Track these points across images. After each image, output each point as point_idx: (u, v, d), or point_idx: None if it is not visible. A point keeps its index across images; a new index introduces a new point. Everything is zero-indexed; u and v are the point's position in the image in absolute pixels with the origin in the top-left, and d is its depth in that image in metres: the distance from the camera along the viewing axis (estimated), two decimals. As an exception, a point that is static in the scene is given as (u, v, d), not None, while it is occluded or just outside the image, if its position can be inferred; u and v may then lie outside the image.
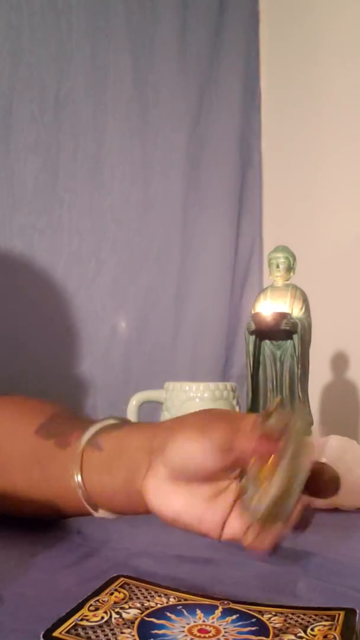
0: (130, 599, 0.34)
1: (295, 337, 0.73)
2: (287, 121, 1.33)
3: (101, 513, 0.43)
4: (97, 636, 0.29)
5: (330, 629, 0.30)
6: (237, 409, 0.76)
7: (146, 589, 0.35)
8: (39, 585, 0.39)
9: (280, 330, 0.73)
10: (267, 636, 0.30)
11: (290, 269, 0.77)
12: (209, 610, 0.33)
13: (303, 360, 0.74)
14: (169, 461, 0.37)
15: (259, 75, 1.37)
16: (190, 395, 0.74)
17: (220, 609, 0.33)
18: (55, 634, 0.29)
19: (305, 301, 0.76)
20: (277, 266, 0.77)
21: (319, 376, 1.15)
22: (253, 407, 0.76)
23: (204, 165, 1.22)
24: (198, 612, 0.32)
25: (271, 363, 0.75)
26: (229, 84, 1.28)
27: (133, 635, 0.29)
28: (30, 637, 0.30)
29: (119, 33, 1.03)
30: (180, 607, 0.33)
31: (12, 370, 0.87)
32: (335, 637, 0.30)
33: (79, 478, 0.41)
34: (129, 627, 0.30)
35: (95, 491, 0.42)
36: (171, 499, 0.37)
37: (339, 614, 0.32)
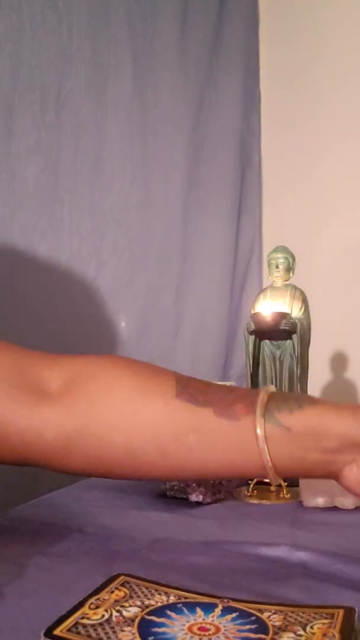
0: (131, 597, 0.34)
1: (294, 337, 0.73)
2: (286, 121, 1.33)
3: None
4: (97, 634, 0.29)
5: (329, 627, 0.31)
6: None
7: (146, 587, 0.35)
8: (39, 583, 0.40)
9: (280, 330, 0.73)
10: (267, 634, 0.30)
11: (289, 269, 0.77)
12: (208, 608, 0.33)
13: (302, 360, 0.74)
14: None
15: (258, 75, 1.37)
16: (190, 395, 0.74)
17: (220, 607, 0.33)
18: (56, 632, 0.29)
19: (304, 301, 0.76)
20: (277, 266, 0.77)
21: (318, 376, 1.16)
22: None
23: (204, 165, 1.22)
24: (198, 610, 0.33)
25: (271, 363, 0.75)
26: (228, 85, 1.28)
27: (133, 633, 0.30)
28: (31, 635, 0.30)
29: (119, 34, 1.03)
30: (181, 605, 0.33)
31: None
32: (334, 635, 0.30)
33: (267, 456, 0.42)
34: (129, 625, 0.30)
35: (283, 465, 0.43)
36: None
37: (338, 612, 0.32)
